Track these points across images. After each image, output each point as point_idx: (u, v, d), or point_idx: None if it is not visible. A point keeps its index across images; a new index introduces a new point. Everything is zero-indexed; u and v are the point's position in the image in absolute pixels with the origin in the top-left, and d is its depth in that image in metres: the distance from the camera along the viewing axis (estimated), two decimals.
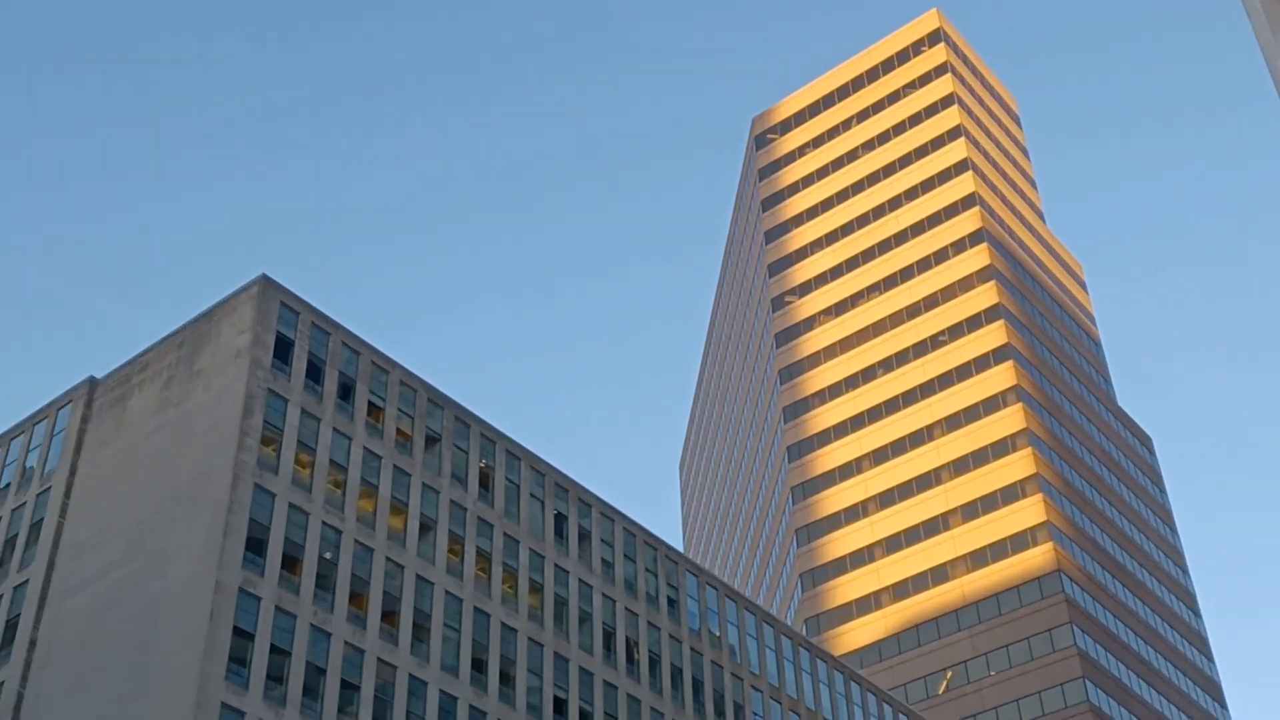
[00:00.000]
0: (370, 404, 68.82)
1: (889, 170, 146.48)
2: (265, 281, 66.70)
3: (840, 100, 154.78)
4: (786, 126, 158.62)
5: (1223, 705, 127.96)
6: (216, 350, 65.85)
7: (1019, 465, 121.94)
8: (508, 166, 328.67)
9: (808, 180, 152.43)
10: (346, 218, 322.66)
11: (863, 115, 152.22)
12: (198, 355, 66.79)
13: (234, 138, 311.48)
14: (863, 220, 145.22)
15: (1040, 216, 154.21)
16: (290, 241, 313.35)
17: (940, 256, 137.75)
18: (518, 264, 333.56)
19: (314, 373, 67.03)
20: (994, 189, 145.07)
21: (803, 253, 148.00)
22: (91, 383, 70.33)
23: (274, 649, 58.23)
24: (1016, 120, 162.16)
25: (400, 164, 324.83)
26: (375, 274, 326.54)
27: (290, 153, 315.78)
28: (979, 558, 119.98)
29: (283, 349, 66.14)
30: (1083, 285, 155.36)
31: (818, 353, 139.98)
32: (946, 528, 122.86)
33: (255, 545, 60.04)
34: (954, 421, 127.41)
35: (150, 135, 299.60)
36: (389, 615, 64.12)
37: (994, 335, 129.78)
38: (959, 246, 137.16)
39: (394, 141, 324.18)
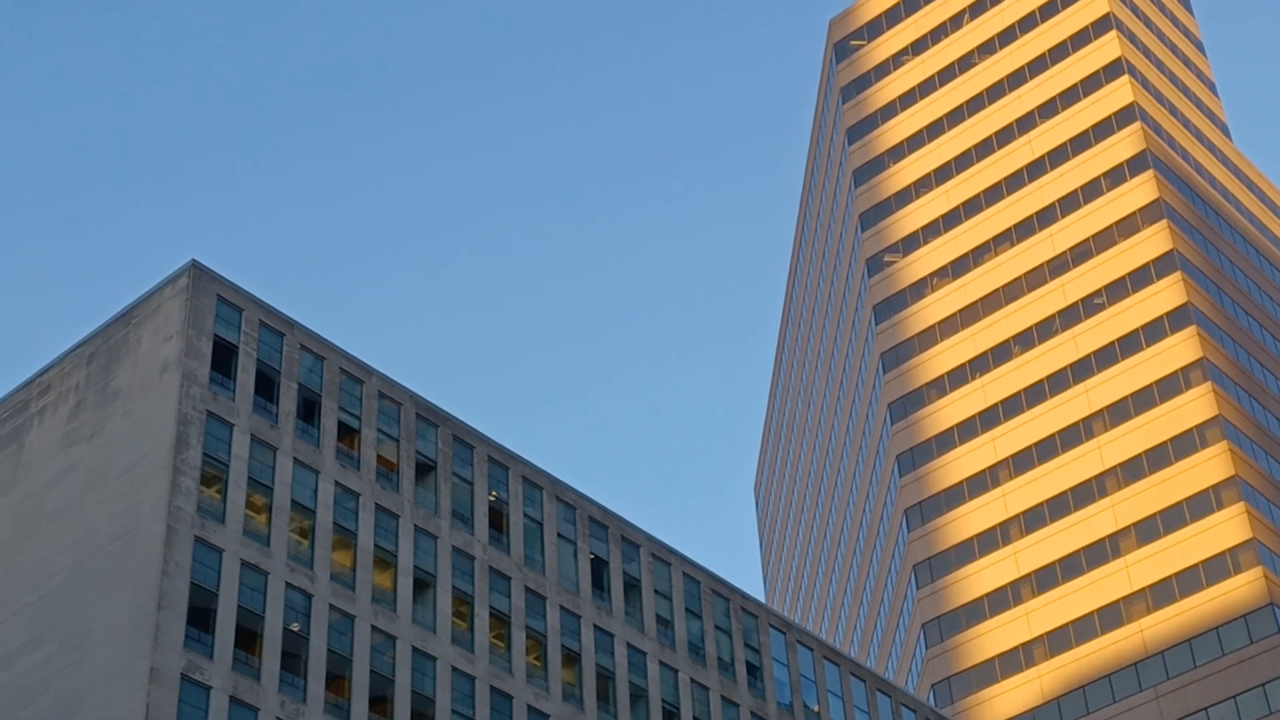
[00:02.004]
0: (342, 425, 69.45)
1: (1015, 81, 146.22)
2: (196, 270, 67.47)
3: None
4: (875, 29, 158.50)
5: None
6: (137, 363, 66.59)
7: (1211, 466, 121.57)
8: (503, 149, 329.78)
9: (907, 100, 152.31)
10: (285, 186, 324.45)
11: (976, 9, 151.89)
12: (113, 371, 67.55)
13: (169, 106, 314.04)
14: (984, 149, 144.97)
15: (1224, 132, 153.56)
16: (227, 221, 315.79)
17: (1091, 192, 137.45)
18: (531, 242, 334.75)
19: (265, 387, 67.70)
20: (1160, 98, 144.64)
21: (905, 196, 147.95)
22: None
23: None
24: (1186, 4, 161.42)
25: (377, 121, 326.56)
26: (339, 255, 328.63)
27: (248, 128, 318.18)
28: (1163, 591, 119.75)
29: (223, 358, 66.86)
30: None
31: (931, 329, 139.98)
32: (1116, 553, 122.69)
33: (200, 618, 60.76)
34: (1120, 412, 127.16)
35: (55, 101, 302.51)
36: (379, 703, 64.76)
37: (1169, 294, 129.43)
38: (1115, 177, 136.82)
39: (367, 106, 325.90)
